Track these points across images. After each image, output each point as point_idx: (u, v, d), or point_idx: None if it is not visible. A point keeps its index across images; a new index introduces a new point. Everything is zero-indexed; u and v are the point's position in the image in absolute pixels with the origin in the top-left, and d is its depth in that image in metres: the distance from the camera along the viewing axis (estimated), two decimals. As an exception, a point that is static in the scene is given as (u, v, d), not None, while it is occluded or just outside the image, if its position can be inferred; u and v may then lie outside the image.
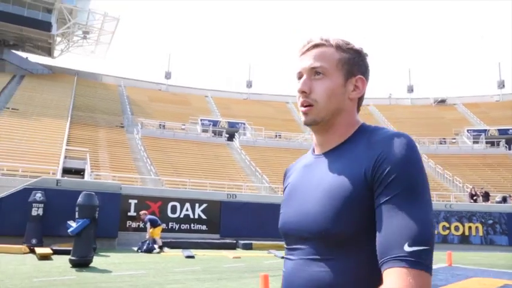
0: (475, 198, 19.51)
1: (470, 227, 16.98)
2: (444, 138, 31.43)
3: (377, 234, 0.89)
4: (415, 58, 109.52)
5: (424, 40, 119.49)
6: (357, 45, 1.10)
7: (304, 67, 1.06)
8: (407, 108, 44.39)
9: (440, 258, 12.99)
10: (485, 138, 31.03)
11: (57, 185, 12.53)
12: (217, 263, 10.45)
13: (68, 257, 9.96)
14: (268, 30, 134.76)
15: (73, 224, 9.20)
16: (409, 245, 0.83)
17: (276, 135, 33.17)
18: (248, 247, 14.41)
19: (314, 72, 1.05)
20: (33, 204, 11.22)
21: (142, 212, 13.28)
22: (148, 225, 12.79)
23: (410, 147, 0.92)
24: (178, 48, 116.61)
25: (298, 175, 1.12)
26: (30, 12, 36.60)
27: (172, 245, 13.61)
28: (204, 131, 32.26)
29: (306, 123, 1.07)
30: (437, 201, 18.83)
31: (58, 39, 41.09)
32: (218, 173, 22.29)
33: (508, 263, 12.10)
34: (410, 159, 0.91)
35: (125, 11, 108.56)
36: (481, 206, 17.93)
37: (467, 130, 33.19)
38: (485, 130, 32.27)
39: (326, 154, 1.06)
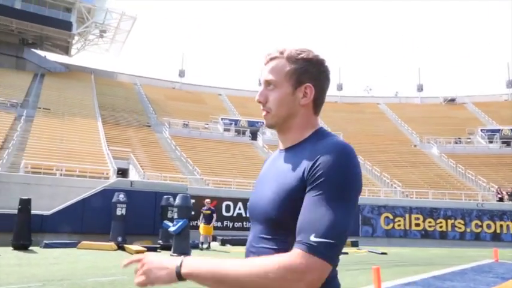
0: (500, 197, 20.58)
1: (501, 225, 18.08)
2: (459, 138, 32.50)
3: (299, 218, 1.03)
4: (425, 57, 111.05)
5: (433, 39, 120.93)
6: (309, 54, 1.20)
7: (262, 79, 1.23)
8: (417, 106, 45.42)
9: (483, 255, 14.07)
10: (499, 138, 32.18)
11: (131, 186, 13.40)
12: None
13: (154, 253, 10.93)
14: (279, 25, 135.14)
15: (170, 224, 10.09)
16: (315, 236, 0.96)
17: (295, 134, 33.98)
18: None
19: (267, 83, 1.21)
20: (117, 205, 12.09)
21: (207, 201, 13.85)
22: (215, 215, 13.46)
23: (343, 156, 1.04)
24: (192, 47, 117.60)
25: (266, 167, 1.30)
26: (51, 11, 37.17)
27: (233, 242, 14.53)
28: (226, 130, 33.11)
29: (266, 126, 1.26)
30: (467, 201, 19.88)
31: (76, 38, 41.66)
32: (254, 172, 23.20)
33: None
34: (339, 167, 1.02)
35: (140, 9, 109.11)
36: (511, 205, 19.05)
37: (481, 130, 34.24)
38: (499, 130, 33.34)
39: (285, 150, 1.22)
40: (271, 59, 1.21)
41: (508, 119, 36.44)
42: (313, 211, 1.00)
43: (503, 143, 31.48)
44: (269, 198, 1.11)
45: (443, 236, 18.38)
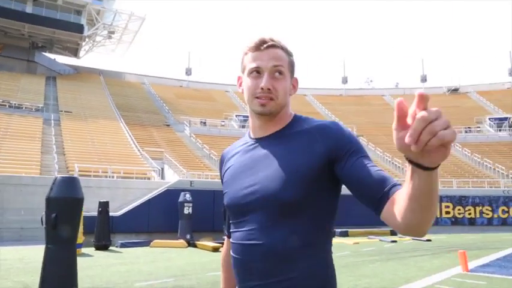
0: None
1: (528, 210, 19.13)
2: (469, 127, 33.50)
3: (363, 180, 1.06)
4: (427, 48, 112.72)
5: (435, 30, 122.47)
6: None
7: (265, 65, 1.17)
8: (422, 97, 46.34)
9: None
10: (508, 126, 33.25)
11: (190, 185, 14.07)
12: (354, 248, 12.18)
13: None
14: (282, 20, 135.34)
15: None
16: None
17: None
18: (345, 234, 16.16)
19: (275, 70, 1.17)
20: (185, 204, 12.76)
21: None
22: None
23: (345, 128, 1.20)
24: (197, 45, 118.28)
25: (241, 158, 1.27)
26: (62, 15, 37.33)
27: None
28: (242, 126, 33.78)
29: (264, 113, 1.19)
30: (492, 188, 20.81)
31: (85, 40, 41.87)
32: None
33: None
34: (352, 135, 1.17)
35: (145, 9, 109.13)
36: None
37: (489, 118, 35.27)
38: (507, 118, 34.39)
39: (269, 137, 1.22)
40: (270, 46, 1.20)
41: (512, 106, 37.50)
42: (369, 168, 1.08)
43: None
44: (277, 182, 1.11)
45: (472, 222, 19.35)
